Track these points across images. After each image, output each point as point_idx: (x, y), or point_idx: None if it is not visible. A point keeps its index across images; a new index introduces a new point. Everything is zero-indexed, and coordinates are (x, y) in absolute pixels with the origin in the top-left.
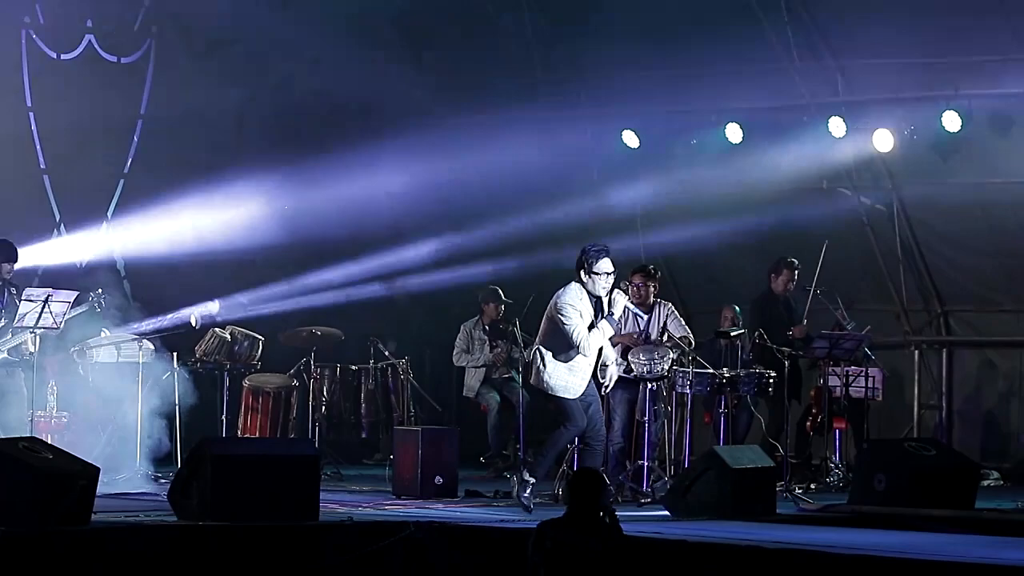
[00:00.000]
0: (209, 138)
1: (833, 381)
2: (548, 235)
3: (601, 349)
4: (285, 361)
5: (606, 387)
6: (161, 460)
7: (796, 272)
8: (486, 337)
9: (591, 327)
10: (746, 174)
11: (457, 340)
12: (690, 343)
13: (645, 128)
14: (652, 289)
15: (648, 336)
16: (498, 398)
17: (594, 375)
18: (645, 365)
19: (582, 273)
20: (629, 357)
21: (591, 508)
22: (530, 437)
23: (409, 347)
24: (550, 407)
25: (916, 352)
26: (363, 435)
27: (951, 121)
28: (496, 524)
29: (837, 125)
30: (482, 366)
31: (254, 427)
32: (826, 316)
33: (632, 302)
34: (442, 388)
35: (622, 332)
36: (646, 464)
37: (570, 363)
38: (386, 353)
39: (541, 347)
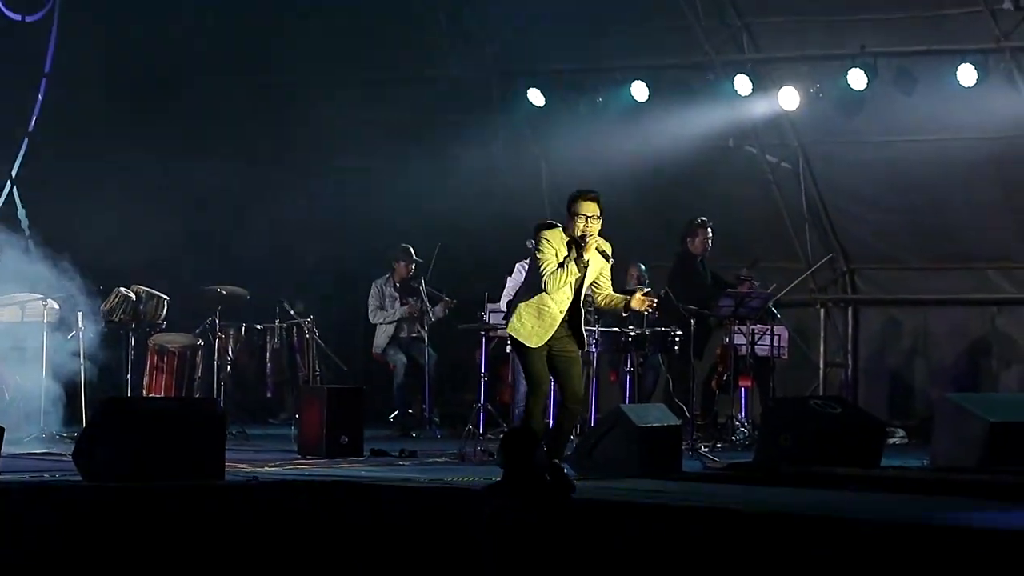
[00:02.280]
0: (114, 97)
1: (739, 339)
2: (453, 194)
3: (577, 304)
4: (190, 320)
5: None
6: (66, 420)
7: (710, 230)
8: (397, 294)
9: (560, 266)
10: (652, 132)
11: (370, 298)
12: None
13: (550, 86)
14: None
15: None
16: (404, 359)
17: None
18: None
19: (567, 217)
20: None
21: (525, 469)
22: (436, 397)
23: (315, 307)
24: (516, 357)
25: (822, 310)
26: (268, 394)
27: (857, 79)
28: (401, 483)
29: (743, 83)
30: (397, 320)
31: (159, 386)
32: (732, 275)
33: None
34: (348, 348)
35: None
36: (551, 423)
37: (541, 309)
38: (291, 312)
39: (523, 291)
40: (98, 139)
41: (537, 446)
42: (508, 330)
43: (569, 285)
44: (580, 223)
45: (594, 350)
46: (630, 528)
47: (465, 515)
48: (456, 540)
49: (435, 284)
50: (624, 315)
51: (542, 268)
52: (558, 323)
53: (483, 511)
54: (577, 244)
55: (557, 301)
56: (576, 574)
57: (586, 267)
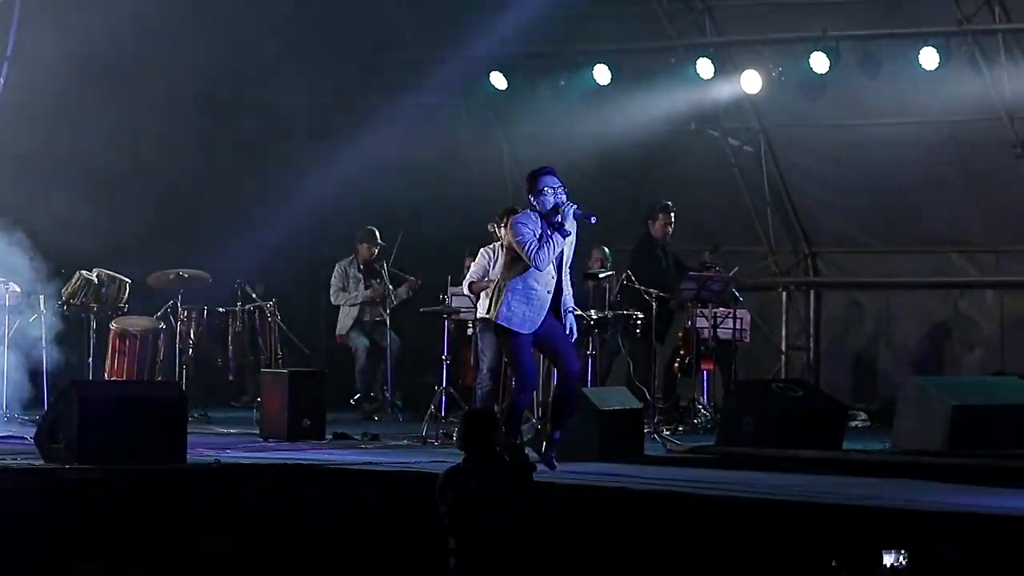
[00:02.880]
0: (79, 81)
1: (701, 323)
2: (416, 177)
3: (559, 283)
4: (152, 304)
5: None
6: (28, 403)
7: (673, 215)
8: (360, 276)
9: (542, 242)
10: (614, 116)
11: (333, 279)
12: None
13: (512, 69)
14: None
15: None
16: (366, 342)
17: (555, 313)
18: None
19: (531, 198)
20: None
21: (486, 451)
22: (398, 380)
23: (277, 289)
24: (503, 348)
25: (784, 293)
26: (230, 377)
27: (819, 62)
28: (363, 466)
29: (705, 66)
30: (360, 303)
31: (121, 370)
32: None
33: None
34: (310, 331)
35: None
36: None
37: (528, 293)
38: (253, 295)
39: (503, 281)
40: (59, 123)
41: (496, 427)
42: (498, 320)
43: (552, 262)
44: (550, 195)
45: None
46: (590, 512)
47: (427, 497)
48: (418, 522)
49: (398, 268)
50: None
51: (527, 249)
52: (547, 305)
53: (445, 493)
54: (552, 217)
55: (543, 283)
56: (537, 557)
57: (567, 235)
